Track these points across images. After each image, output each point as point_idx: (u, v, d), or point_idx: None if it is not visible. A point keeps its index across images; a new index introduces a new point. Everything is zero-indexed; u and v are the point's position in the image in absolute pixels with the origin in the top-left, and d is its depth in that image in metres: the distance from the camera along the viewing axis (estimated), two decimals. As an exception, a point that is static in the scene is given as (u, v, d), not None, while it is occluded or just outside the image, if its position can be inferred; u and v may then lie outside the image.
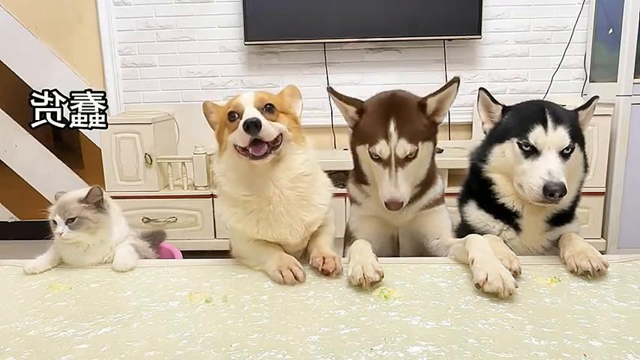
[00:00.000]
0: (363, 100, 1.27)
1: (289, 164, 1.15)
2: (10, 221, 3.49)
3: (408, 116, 1.18)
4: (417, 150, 1.18)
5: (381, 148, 1.16)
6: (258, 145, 1.08)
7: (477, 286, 1.00)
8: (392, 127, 1.16)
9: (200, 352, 0.82)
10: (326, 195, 1.23)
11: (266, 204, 1.14)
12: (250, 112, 1.08)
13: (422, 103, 1.21)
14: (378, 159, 1.19)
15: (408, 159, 1.18)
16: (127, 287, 1.11)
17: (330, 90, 1.25)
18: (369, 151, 1.19)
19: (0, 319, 0.97)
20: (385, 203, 1.18)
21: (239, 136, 1.08)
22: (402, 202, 1.17)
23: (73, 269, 1.22)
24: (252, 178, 1.14)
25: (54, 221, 1.20)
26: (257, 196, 1.14)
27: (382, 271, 1.05)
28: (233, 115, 1.13)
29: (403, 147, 1.16)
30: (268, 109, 1.13)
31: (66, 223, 1.18)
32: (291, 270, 1.09)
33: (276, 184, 1.14)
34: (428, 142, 1.22)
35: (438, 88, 1.21)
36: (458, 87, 1.20)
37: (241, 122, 1.07)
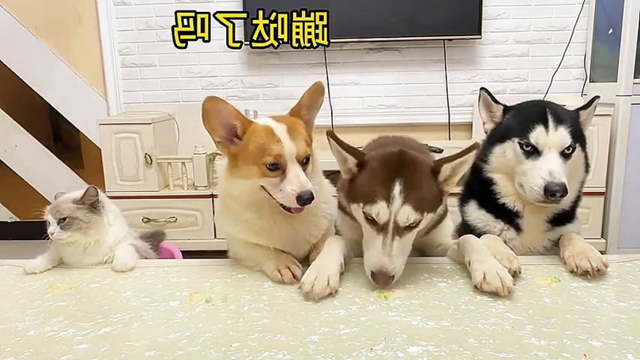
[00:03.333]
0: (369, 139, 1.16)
1: None
2: (10, 221, 3.49)
3: (417, 180, 1.00)
4: (421, 221, 1.01)
5: (379, 210, 0.98)
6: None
7: (476, 287, 1.00)
8: (397, 189, 0.98)
9: (200, 352, 0.82)
10: (330, 202, 1.23)
11: (271, 224, 1.15)
12: (302, 181, 1.06)
13: (435, 169, 1.04)
14: (372, 221, 1.01)
15: (409, 228, 1.01)
16: (127, 287, 1.11)
17: (331, 135, 1.06)
18: (364, 211, 1.01)
19: (0, 319, 0.97)
20: (372, 273, 1.00)
21: (284, 197, 1.07)
22: (393, 277, 1.00)
23: (73, 269, 1.22)
24: (264, 205, 1.14)
25: (49, 221, 1.20)
26: (265, 219, 1.15)
27: (336, 287, 1.01)
28: (275, 166, 1.08)
29: (407, 214, 0.98)
30: (306, 159, 1.12)
31: (58, 223, 1.19)
32: (289, 269, 1.09)
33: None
34: (431, 215, 1.05)
35: (455, 153, 1.03)
36: (476, 154, 1.05)
37: (292, 190, 1.05)
